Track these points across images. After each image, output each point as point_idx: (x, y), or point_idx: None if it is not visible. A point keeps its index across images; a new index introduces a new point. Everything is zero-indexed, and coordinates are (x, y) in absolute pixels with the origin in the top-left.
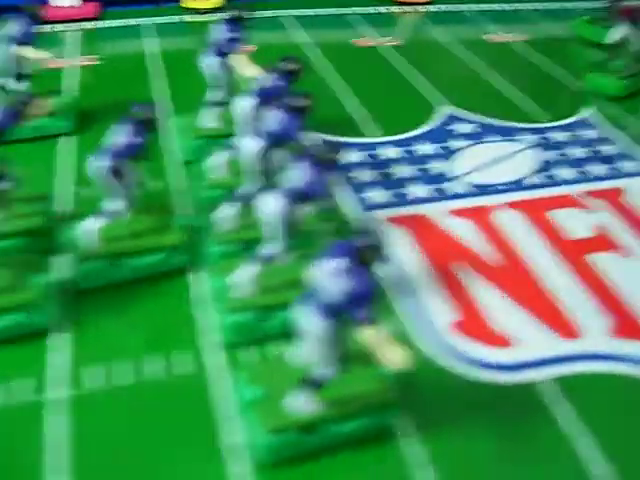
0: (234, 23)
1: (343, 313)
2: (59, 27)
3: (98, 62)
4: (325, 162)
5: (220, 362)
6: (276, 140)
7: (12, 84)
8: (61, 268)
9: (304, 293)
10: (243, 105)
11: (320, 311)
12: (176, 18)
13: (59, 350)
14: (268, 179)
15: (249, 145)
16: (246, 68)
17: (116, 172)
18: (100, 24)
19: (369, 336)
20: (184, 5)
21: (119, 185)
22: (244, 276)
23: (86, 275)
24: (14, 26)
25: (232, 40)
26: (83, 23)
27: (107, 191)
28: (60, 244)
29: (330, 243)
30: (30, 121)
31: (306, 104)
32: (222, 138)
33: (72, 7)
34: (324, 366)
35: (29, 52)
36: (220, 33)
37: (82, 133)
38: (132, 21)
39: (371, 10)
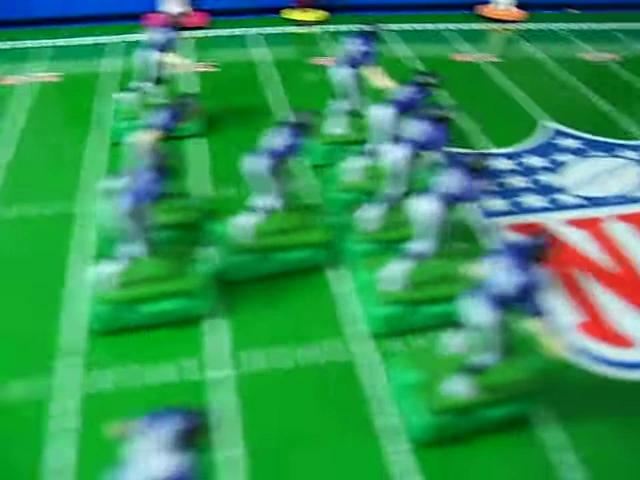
0: (367, 36)
1: (513, 305)
2: None
3: (214, 69)
4: (475, 170)
5: (368, 350)
6: (421, 148)
7: (150, 88)
8: (211, 260)
9: (472, 287)
10: (380, 114)
11: (490, 303)
12: (279, 29)
13: (216, 334)
14: (411, 183)
15: (394, 152)
16: (380, 80)
17: (274, 171)
18: (210, 32)
19: (536, 327)
20: (286, 16)
21: (276, 183)
22: (394, 271)
23: (238, 267)
24: (157, 33)
25: (366, 53)
26: (193, 31)
27: (262, 188)
28: (208, 237)
29: (503, 242)
30: (187, 122)
31: (450, 116)
32: (349, 145)
33: (180, 15)
34: (487, 354)
35: (171, 58)
36: (354, 46)
37: (210, 135)
38: (237, 31)
39: (465, 27)
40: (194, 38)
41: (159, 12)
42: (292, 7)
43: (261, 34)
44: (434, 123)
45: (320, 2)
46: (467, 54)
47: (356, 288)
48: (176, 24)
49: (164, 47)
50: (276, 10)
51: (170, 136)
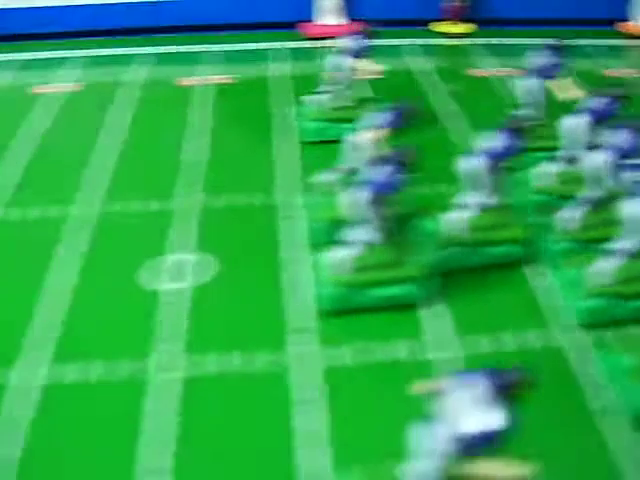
0: (555, 50)
1: None
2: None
3: (382, 76)
4: None
5: (576, 339)
6: (625, 156)
7: (340, 91)
8: (427, 251)
9: None
10: (574, 123)
11: None
12: (430, 40)
13: (437, 319)
14: (614, 187)
15: (594, 158)
16: (568, 91)
17: (492, 171)
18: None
19: None
20: (435, 29)
21: (492, 182)
22: (604, 268)
23: (449, 259)
24: (350, 40)
25: (554, 65)
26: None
27: (476, 186)
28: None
29: None
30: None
31: None
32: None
33: (338, 25)
34: None
35: (363, 64)
36: (541, 59)
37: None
38: (394, 41)
39: (609, 42)
40: None
41: (315, 22)
42: (441, 20)
43: (415, 45)
44: (634, 132)
45: (468, 15)
46: (615, 70)
47: (560, 283)
48: (368, 33)
49: (357, 54)
50: (425, 22)
51: (395, 134)
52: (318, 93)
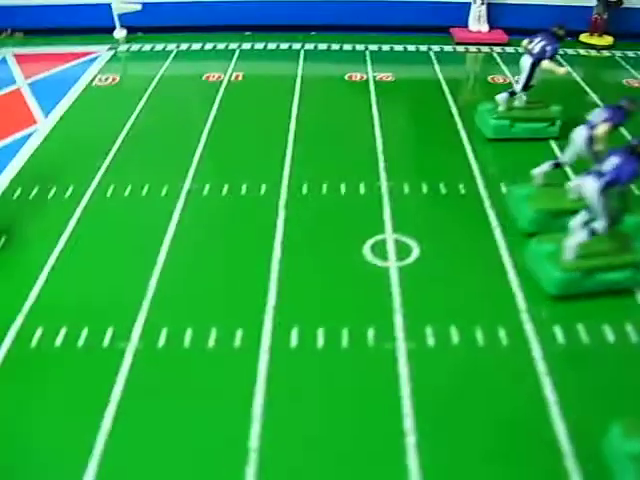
0: None
1: None
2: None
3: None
4: None
5: None
6: None
7: (519, 92)
8: None
9: None
10: None
11: None
12: (574, 50)
13: None
14: None
15: None
16: None
17: None
18: (509, 49)
19: None
20: (583, 40)
21: None
22: None
23: None
24: (540, 42)
25: None
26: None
27: None
28: None
29: None
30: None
31: None
32: None
33: (479, 32)
34: None
35: (552, 66)
36: None
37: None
38: None
39: None
40: (496, 54)
41: (463, 27)
42: (587, 32)
43: (567, 54)
44: None
45: (609, 28)
46: None
47: None
48: (559, 35)
49: (545, 55)
50: (574, 34)
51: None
52: (507, 92)
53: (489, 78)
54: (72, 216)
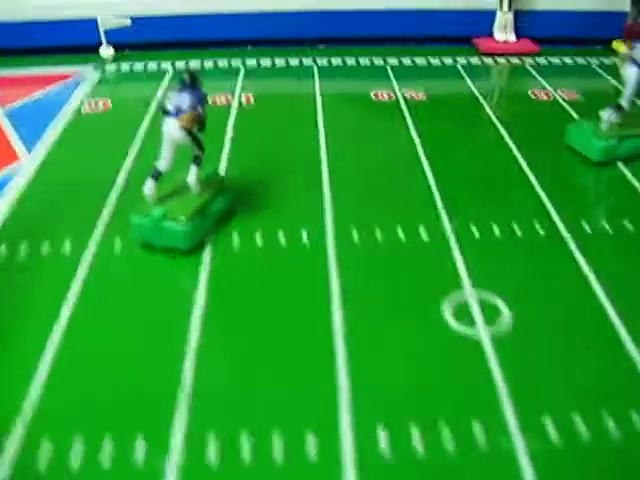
0: None
1: None
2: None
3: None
4: None
5: None
6: None
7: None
8: None
9: None
10: None
11: None
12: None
13: None
14: None
15: None
16: None
17: None
18: (540, 60)
19: None
20: (615, 47)
21: None
22: None
23: None
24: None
25: None
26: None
27: None
28: None
29: None
30: None
31: None
32: None
33: (506, 42)
34: None
35: None
36: None
37: None
38: (566, 59)
39: None
40: (529, 66)
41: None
42: (620, 38)
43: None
44: None
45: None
46: None
47: None
48: None
49: None
50: (604, 41)
51: None
52: (611, 108)
53: (529, 92)
54: (73, 279)
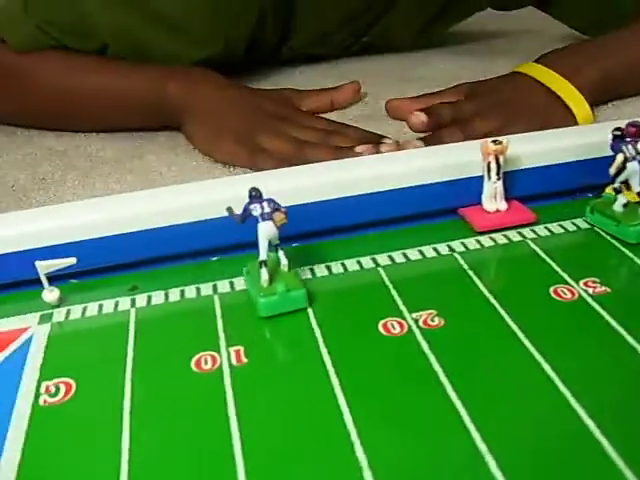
0: None
1: None
2: None
3: None
4: None
5: None
6: None
7: None
8: None
9: None
10: None
11: None
12: None
13: None
14: None
15: None
16: None
17: None
18: (539, 230)
19: None
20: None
21: None
22: None
23: None
24: None
25: None
26: None
27: None
28: None
29: None
30: None
31: None
32: None
33: (498, 211)
34: None
35: None
36: None
37: None
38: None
39: None
40: (530, 240)
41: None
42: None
43: None
44: None
45: None
46: None
47: None
48: None
49: None
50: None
51: None
52: None
53: (551, 291)
54: None
